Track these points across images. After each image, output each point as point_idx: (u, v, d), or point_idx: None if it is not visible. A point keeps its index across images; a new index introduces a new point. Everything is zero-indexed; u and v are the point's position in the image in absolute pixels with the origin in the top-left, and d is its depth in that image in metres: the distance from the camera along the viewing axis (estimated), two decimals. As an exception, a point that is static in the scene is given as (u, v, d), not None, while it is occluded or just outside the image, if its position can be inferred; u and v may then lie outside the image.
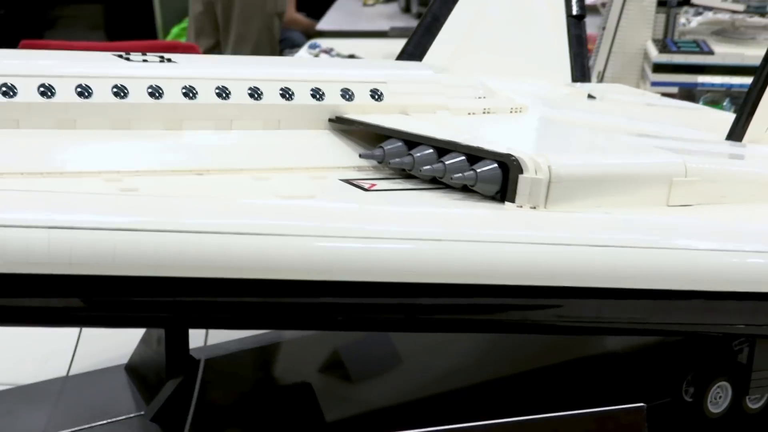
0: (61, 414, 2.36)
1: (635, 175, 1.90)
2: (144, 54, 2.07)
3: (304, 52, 5.53)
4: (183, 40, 7.64)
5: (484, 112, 2.25)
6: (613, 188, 1.86)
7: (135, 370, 2.56)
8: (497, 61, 2.78)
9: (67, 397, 2.47)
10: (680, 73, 4.19)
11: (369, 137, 2.07)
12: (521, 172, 1.78)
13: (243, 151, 1.94)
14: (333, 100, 2.04)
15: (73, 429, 2.32)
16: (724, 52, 4.30)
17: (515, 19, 3.02)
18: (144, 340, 2.56)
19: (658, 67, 4.18)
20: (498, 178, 1.79)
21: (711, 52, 4.28)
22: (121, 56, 2.05)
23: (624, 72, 4.40)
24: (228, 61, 2.28)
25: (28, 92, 1.81)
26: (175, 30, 7.99)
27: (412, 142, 1.97)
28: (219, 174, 1.87)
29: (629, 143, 2.15)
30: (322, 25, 6.70)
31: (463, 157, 1.85)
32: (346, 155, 2.02)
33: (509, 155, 1.79)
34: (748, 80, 4.19)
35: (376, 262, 1.63)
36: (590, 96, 2.85)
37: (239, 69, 2.07)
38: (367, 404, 2.38)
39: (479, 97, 2.25)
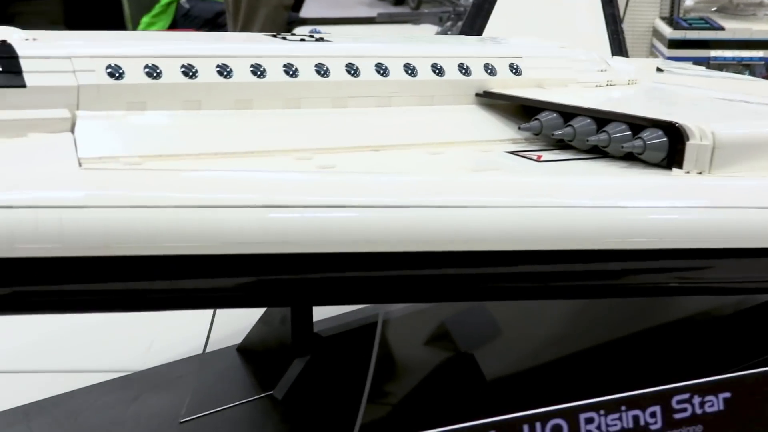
0: (196, 397, 2.31)
1: None
2: (292, 33, 2.03)
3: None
4: (154, 29, 7.47)
5: (607, 84, 2.25)
6: (766, 152, 1.87)
7: (251, 351, 2.52)
8: (549, 39, 2.77)
9: (194, 379, 2.43)
10: (694, 48, 4.25)
11: (512, 110, 2.07)
12: (687, 139, 1.77)
13: (409, 127, 1.93)
14: (478, 75, 2.03)
15: (209, 411, 2.27)
16: (734, 28, 4.38)
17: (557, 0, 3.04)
18: (264, 320, 2.52)
19: (673, 44, 4.23)
20: (665, 146, 1.81)
21: (721, 28, 4.36)
22: (275, 36, 2.01)
23: (633, 49, 4.43)
24: (377, 39, 2.23)
25: (208, 72, 1.76)
26: (145, 19, 7.79)
27: (565, 113, 1.95)
28: (393, 149, 1.84)
29: (755, 109, 2.17)
30: (305, 13, 6.62)
31: (625, 126, 1.85)
32: (497, 128, 2.03)
33: (673, 123, 1.79)
34: (757, 53, 4.30)
35: (576, 230, 1.63)
36: (659, 69, 2.86)
37: (392, 47, 2.04)
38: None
39: (601, 70, 2.25)
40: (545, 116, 1.98)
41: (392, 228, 1.53)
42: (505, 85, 2.09)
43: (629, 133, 1.86)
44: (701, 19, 4.57)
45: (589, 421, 1.62)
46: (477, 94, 2.06)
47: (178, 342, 2.67)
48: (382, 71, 1.95)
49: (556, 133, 1.93)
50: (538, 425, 1.59)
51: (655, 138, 1.83)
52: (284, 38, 1.99)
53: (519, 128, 1.97)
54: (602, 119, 1.93)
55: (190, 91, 1.78)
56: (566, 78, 2.19)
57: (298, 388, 2.29)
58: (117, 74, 1.72)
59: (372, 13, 6.40)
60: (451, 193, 1.60)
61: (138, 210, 1.49)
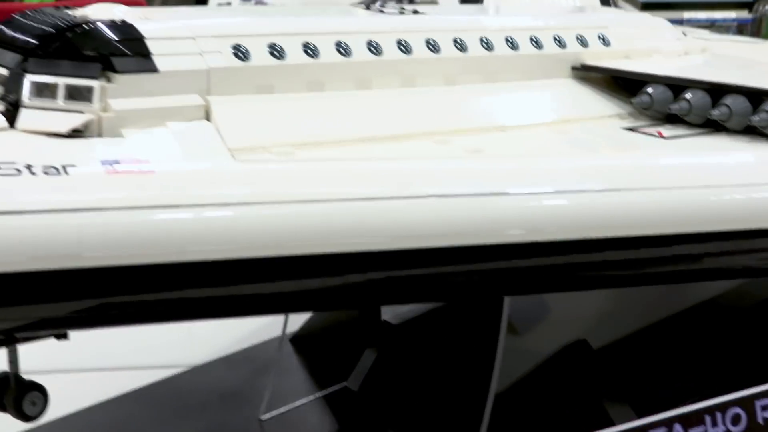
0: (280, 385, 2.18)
1: None
2: (382, 5, 1.88)
3: (237, 2, 5.00)
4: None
5: (685, 54, 2.16)
6: None
7: (310, 340, 2.37)
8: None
9: (252, 372, 2.28)
10: (667, 10, 4.21)
11: (604, 82, 1.97)
12: None
13: (523, 105, 1.83)
14: (572, 48, 1.92)
15: (288, 407, 2.13)
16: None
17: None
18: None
19: (646, 6, 4.17)
20: None
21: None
22: (368, 7, 1.86)
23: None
24: (468, 11, 2.08)
25: (328, 51, 1.61)
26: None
27: (673, 85, 1.86)
28: (520, 130, 1.73)
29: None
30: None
31: (744, 98, 1.77)
32: (600, 103, 1.95)
33: None
34: (729, 14, 4.28)
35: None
36: (684, 33, 2.77)
37: (489, 19, 1.92)
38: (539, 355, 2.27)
39: (678, 39, 2.16)
40: (654, 90, 1.88)
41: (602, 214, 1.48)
42: (596, 57, 1.98)
43: (750, 105, 1.78)
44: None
45: (765, 408, 1.55)
46: (573, 68, 1.94)
47: (218, 335, 2.50)
48: (488, 46, 1.82)
49: (673, 107, 1.83)
50: (718, 415, 1.51)
51: None
52: (381, 11, 1.84)
53: (631, 102, 1.87)
54: (715, 91, 1.83)
55: (313, 72, 1.62)
56: (650, 48, 2.10)
57: (373, 379, 2.16)
58: (242, 55, 1.55)
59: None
60: (638, 177, 1.52)
61: (312, 205, 1.35)
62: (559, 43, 1.95)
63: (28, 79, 1.41)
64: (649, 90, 1.90)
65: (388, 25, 1.77)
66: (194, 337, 2.52)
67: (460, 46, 1.80)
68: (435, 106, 1.74)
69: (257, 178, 1.36)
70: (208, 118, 1.50)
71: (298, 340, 2.41)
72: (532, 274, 1.54)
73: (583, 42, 1.99)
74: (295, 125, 1.55)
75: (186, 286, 1.32)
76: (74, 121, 1.39)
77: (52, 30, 1.46)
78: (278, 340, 2.48)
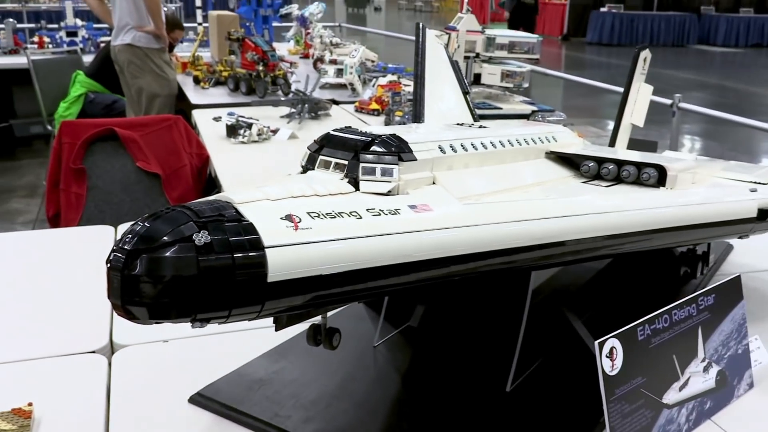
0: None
1: None
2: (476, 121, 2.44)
3: (226, 118, 5.34)
4: (69, 112, 7.02)
5: (583, 143, 2.84)
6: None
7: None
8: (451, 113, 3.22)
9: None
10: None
11: (557, 160, 2.62)
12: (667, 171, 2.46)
13: (538, 172, 2.50)
14: (545, 143, 2.57)
15: (388, 337, 2.54)
16: (507, 107, 5.14)
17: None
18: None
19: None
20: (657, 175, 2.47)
21: (500, 108, 5.10)
22: (461, 125, 2.42)
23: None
24: (505, 125, 2.64)
25: (470, 148, 2.19)
26: (63, 106, 7.25)
27: (596, 159, 2.57)
28: (545, 184, 2.38)
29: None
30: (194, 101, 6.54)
31: (633, 166, 2.48)
32: (563, 170, 2.60)
33: (659, 165, 2.46)
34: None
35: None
36: None
37: (506, 131, 2.53)
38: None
39: (572, 135, 2.85)
40: (589, 163, 2.55)
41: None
42: (552, 148, 2.63)
43: (635, 169, 2.49)
44: (483, 102, 5.30)
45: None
46: (545, 153, 2.58)
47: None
48: (503, 144, 2.43)
49: (602, 171, 2.51)
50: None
51: (649, 171, 2.47)
52: (469, 126, 2.42)
53: (580, 169, 2.53)
54: (618, 162, 2.54)
55: (466, 159, 2.19)
56: (569, 142, 2.77)
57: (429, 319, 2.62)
58: (443, 150, 2.10)
59: (236, 100, 6.44)
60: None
61: (522, 223, 1.99)
62: (540, 141, 2.58)
63: (361, 165, 1.89)
64: (589, 163, 2.57)
65: (483, 134, 2.35)
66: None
67: (502, 143, 2.38)
68: (513, 173, 2.34)
69: (485, 210, 1.99)
70: (433, 183, 2.02)
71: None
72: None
73: (547, 140, 2.63)
74: (472, 186, 2.11)
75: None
76: (388, 186, 1.90)
77: (367, 139, 1.94)
78: None
